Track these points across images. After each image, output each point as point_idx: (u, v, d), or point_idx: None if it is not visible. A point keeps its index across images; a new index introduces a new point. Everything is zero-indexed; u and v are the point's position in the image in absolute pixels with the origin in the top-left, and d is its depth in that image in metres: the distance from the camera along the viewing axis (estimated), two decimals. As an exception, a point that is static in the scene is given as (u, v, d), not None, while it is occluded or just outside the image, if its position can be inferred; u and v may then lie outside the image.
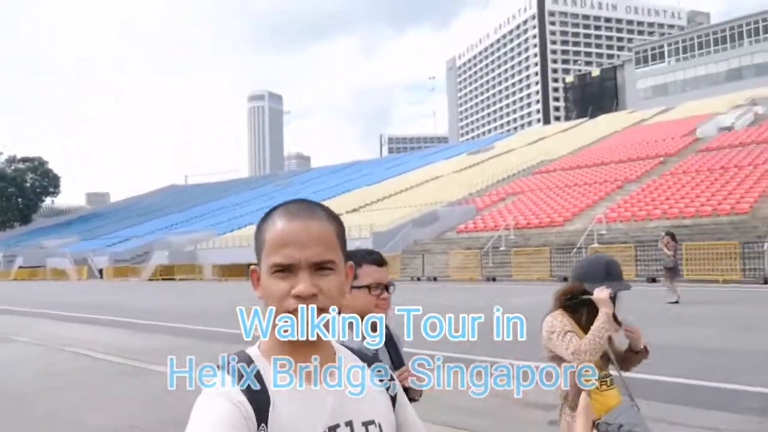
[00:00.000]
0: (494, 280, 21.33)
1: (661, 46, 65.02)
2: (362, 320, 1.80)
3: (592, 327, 2.27)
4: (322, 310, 0.92)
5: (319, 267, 0.92)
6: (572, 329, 2.33)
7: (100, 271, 44.10)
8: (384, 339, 1.89)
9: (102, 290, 28.08)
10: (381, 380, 1.07)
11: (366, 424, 0.98)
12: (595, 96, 74.35)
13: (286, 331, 0.92)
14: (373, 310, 1.82)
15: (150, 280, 37.96)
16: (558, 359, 2.38)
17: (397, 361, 1.88)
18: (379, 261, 1.87)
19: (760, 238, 17.14)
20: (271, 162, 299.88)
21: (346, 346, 1.08)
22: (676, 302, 11.66)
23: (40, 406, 5.79)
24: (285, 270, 0.92)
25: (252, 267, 0.99)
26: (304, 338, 0.93)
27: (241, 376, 0.91)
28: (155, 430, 4.88)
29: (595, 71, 77.62)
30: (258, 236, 0.97)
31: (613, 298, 2.32)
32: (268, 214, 0.98)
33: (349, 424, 0.96)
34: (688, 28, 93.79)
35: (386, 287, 1.85)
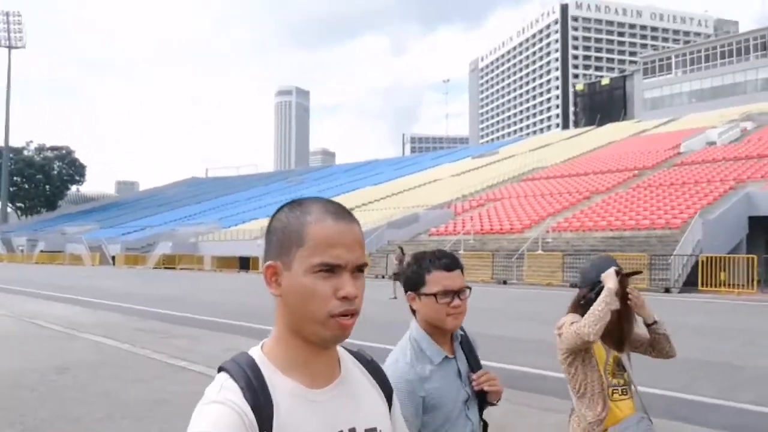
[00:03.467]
0: (446, 280, 23.20)
1: (669, 58, 65.47)
2: (432, 329, 1.73)
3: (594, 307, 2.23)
4: (356, 314, 0.92)
5: (359, 269, 0.92)
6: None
7: (113, 258, 47.17)
8: (459, 341, 1.82)
9: (103, 275, 30.78)
10: (380, 385, 1.06)
11: (368, 431, 0.97)
12: (604, 104, 74.98)
13: (337, 335, 0.91)
14: (446, 320, 1.70)
15: (154, 268, 40.78)
16: (573, 367, 2.32)
17: (475, 365, 1.81)
18: (448, 266, 1.74)
19: (672, 251, 18.74)
20: (297, 157, 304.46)
21: (345, 349, 1.05)
22: (395, 298, 14.81)
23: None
24: (329, 270, 0.89)
25: (270, 263, 0.92)
26: (339, 342, 0.94)
27: (245, 382, 0.89)
28: (44, 369, 7.02)
29: (605, 80, 78.16)
30: (287, 231, 0.92)
31: (622, 283, 2.31)
32: (300, 210, 0.93)
33: (353, 431, 0.95)
34: (715, 37, 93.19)
35: (457, 294, 1.71)
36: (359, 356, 1.08)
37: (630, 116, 70.97)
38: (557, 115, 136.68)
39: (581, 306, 2.35)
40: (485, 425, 1.81)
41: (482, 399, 1.77)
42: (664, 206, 24.22)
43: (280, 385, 0.91)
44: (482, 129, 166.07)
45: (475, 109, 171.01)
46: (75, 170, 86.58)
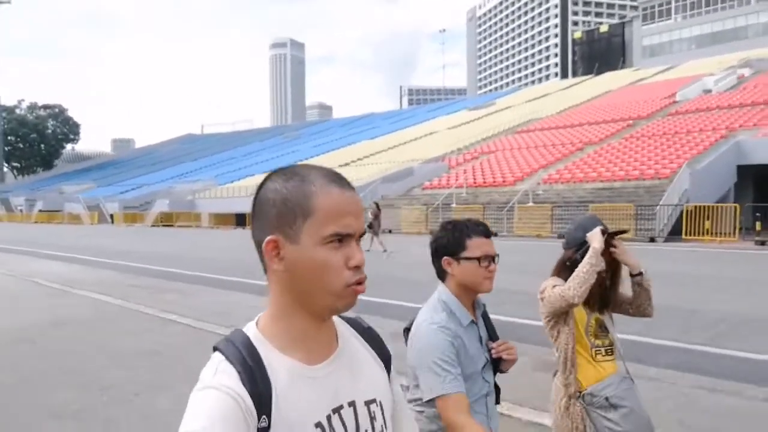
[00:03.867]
0: (438, 233, 23.62)
1: (668, 3, 64.11)
2: (468, 293, 1.83)
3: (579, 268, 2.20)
4: (365, 281, 0.91)
5: (360, 237, 0.91)
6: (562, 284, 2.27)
7: (111, 216, 47.53)
8: (481, 311, 1.91)
9: (102, 234, 31.18)
10: (378, 353, 1.04)
11: (368, 403, 0.96)
12: (602, 52, 73.91)
13: (350, 304, 0.90)
14: (483, 283, 1.81)
15: (153, 226, 41.19)
16: (556, 330, 2.32)
17: (493, 335, 1.90)
18: (487, 232, 1.85)
19: (659, 202, 19.04)
20: (293, 112, 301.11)
21: (340, 317, 1.02)
22: (385, 251, 15.51)
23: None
24: (339, 240, 0.87)
25: (272, 237, 0.88)
26: (349, 310, 0.92)
27: (241, 365, 0.86)
28: (42, 324, 7.39)
29: (604, 27, 76.71)
30: (290, 202, 0.88)
31: (608, 242, 2.27)
32: (298, 179, 0.90)
33: (352, 404, 0.94)
34: None
35: (493, 259, 1.83)
36: (355, 324, 1.06)
37: (629, 64, 70.05)
38: (556, 64, 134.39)
39: (567, 268, 2.31)
40: (498, 389, 1.93)
41: (496, 366, 1.88)
42: (655, 157, 24.37)
43: (277, 363, 0.89)
44: (480, 80, 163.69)
45: (473, 60, 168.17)
46: (69, 129, 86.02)
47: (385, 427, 0.99)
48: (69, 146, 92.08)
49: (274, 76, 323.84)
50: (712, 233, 17.84)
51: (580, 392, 2.26)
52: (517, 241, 19.89)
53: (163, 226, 40.30)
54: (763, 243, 16.29)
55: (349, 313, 1.00)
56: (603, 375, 2.26)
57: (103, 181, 67.58)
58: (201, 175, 57.26)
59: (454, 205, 25.22)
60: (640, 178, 22.47)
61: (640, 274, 2.33)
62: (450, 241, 1.83)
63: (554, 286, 2.27)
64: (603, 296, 2.33)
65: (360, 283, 0.89)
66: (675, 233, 18.50)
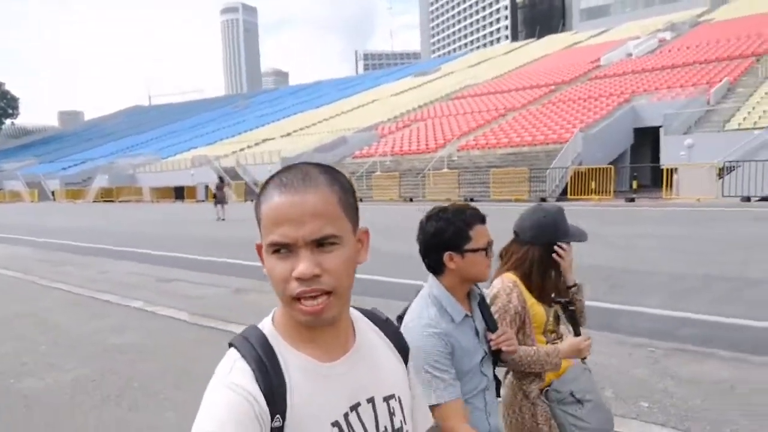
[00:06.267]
0: (361, 200, 25.01)
1: (604, -34, 65.72)
2: (465, 284, 1.73)
3: (543, 350, 1.97)
4: (327, 293, 0.84)
5: (321, 243, 0.83)
6: (522, 308, 2.04)
7: (53, 193, 47.22)
8: (477, 301, 1.80)
9: (38, 212, 31.44)
10: (396, 346, 1.03)
11: (387, 399, 0.95)
12: (544, 15, 75.30)
13: (308, 320, 0.86)
14: (485, 272, 1.71)
15: (94, 201, 41.31)
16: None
17: (491, 325, 1.79)
18: (483, 218, 1.73)
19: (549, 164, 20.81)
20: (248, 80, 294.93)
21: (358, 309, 1.02)
22: (223, 220, 18.76)
23: None
24: (284, 249, 0.83)
25: (257, 243, 0.88)
26: (317, 325, 0.88)
27: (256, 363, 0.86)
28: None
29: (545, -10, 78.09)
30: (256, 209, 0.88)
31: (556, 246, 2.13)
32: (264, 185, 0.88)
33: (371, 400, 0.92)
34: None
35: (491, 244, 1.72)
36: (373, 316, 1.04)
37: (568, 27, 71.75)
38: (507, 27, 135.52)
39: (531, 267, 2.09)
40: (498, 382, 1.85)
41: (496, 357, 1.80)
42: (561, 122, 26.06)
43: (292, 361, 0.88)
44: (434, 44, 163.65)
45: (426, 23, 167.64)
46: (7, 103, 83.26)
47: (404, 422, 0.97)
48: (8, 121, 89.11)
49: (226, 43, 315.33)
50: (597, 192, 19.69)
51: (542, 389, 2.09)
52: (430, 205, 21.41)
53: (105, 201, 40.51)
54: (632, 200, 18.23)
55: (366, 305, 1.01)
56: (563, 367, 2.07)
57: (46, 157, 66.30)
58: (144, 149, 56.90)
59: (377, 173, 26.53)
60: (544, 143, 24.15)
61: (575, 285, 2.22)
62: (453, 234, 1.70)
63: (509, 297, 2.03)
64: (556, 288, 2.19)
65: (305, 297, 0.83)
66: (564, 194, 20.30)
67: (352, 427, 0.89)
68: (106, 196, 41.41)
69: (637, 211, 16.02)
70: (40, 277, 9.64)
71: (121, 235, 16.44)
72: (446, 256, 1.69)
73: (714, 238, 10.62)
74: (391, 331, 1.05)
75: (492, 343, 1.75)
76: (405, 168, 26.59)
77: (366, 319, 1.03)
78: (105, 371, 4.78)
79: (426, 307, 1.69)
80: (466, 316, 1.71)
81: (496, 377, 1.83)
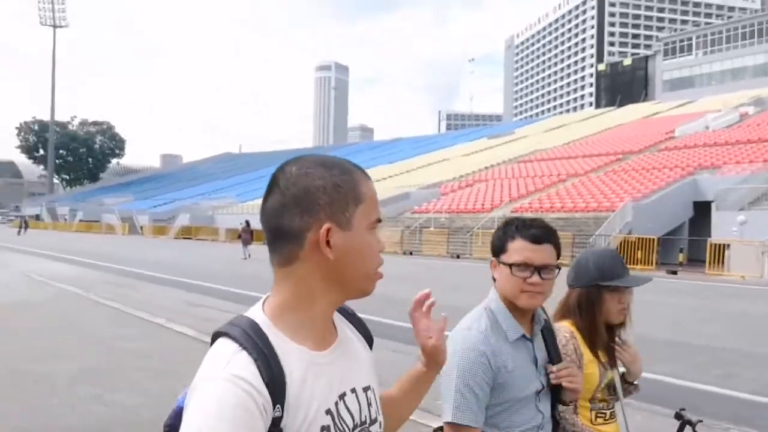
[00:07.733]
0: (411, 253, 25.85)
1: (689, 39, 64.93)
2: (509, 304, 1.55)
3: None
4: None
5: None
6: (579, 361, 1.87)
7: (141, 228, 51.51)
8: (541, 327, 1.62)
9: (122, 243, 34.60)
10: (365, 338, 1.06)
11: (365, 389, 0.97)
12: (625, 85, 74.87)
13: (373, 287, 0.94)
14: (519, 296, 1.52)
15: (175, 238, 44.67)
16: None
17: (555, 357, 1.63)
18: (536, 237, 1.52)
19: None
20: (335, 133, 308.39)
21: None
22: (246, 258, 21.08)
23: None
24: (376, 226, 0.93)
25: (330, 225, 0.87)
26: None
27: (257, 353, 0.83)
28: (9, 303, 10.07)
29: (627, 60, 77.82)
30: (342, 189, 0.89)
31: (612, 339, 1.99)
32: (335, 167, 0.91)
33: (354, 390, 0.94)
34: (762, 12, 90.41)
35: (539, 270, 1.50)
36: (342, 310, 1.05)
37: (651, 98, 70.80)
38: (591, 94, 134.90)
39: (583, 313, 1.95)
40: (556, 423, 1.64)
41: (556, 394, 1.61)
42: (617, 189, 25.99)
43: (287, 350, 0.87)
44: (517, 107, 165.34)
45: (509, 87, 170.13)
46: (116, 144, 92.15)
47: (378, 413, 0.99)
48: (114, 161, 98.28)
49: (317, 98, 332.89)
50: (643, 263, 19.47)
51: None
52: (475, 263, 21.92)
53: (184, 238, 43.68)
54: (674, 272, 17.91)
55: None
56: None
57: (141, 195, 72.31)
58: (226, 193, 60.98)
59: (429, 229, 27.38)
60: (596, 210, 24.16)
61: (634, 384, 2.09)
62: (496, 241, 1.61)
63: (567, 343, 1.87)
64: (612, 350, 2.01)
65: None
66: (610, 262, 20.14)
67: (341, 416, 0.90)
68: (186, 233, 44.67)
69: (666, 282, 15.85)
70: (95, 294, 11.17)
71: (181, 267, 18.17)
72: (491, 262, 1.62)
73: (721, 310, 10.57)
74: (359, 322, 1.08)
75: (552, 376, 1.58)
76: (457, 226, 27.27)
77: (338, 314, 1.03)
78: (108, 364, 5.92)
79: (478, 319, 1.58)
80: (524, 336, 1.57)
81: (554, 418, 1.63)
